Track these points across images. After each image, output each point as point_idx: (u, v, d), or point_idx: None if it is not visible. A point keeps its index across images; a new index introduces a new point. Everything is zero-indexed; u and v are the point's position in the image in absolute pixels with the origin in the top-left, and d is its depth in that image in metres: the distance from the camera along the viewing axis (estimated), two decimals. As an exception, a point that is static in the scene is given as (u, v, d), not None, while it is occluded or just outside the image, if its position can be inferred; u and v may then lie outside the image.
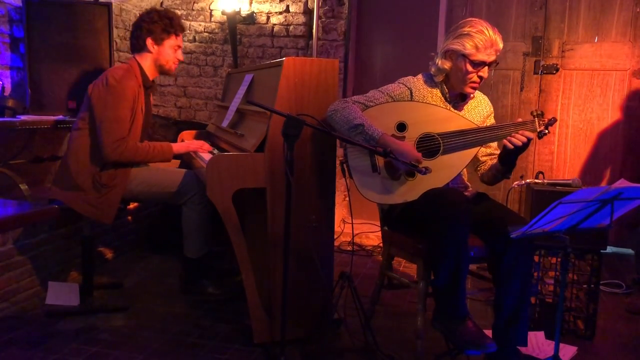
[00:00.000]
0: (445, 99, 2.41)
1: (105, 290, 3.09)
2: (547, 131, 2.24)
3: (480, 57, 2.26)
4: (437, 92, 2.41)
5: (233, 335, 2.58)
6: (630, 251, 3.72)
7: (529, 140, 2.19)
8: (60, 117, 3.22)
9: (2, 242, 2.75)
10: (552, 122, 2.23)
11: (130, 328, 2.63)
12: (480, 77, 2.31)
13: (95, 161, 2.74)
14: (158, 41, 2.87)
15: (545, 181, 2.83)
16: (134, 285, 3.19)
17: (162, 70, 2.96)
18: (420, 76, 2.45)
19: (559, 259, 2.71)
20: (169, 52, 2.90)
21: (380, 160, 2.27)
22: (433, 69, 2.40)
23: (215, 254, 3.27)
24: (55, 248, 3.06)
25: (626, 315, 3.01)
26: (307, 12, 4.43)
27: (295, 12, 4.46)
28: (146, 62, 2.89)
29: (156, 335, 2.56)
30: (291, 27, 4.49)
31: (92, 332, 2.57)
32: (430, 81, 2.42)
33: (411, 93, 2.38)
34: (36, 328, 2.60)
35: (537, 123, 2.23)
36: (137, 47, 2.89)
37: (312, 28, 4.37)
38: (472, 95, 2.45)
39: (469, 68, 2.28)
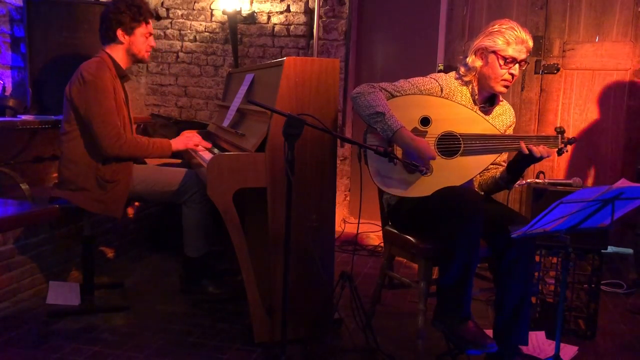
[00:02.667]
0: (474, 100, 2.40)
1: (106, 289, 3.09)
2: (566, 149, 2.24)
3: (511, 52, 2.28)
4: (466, 92, 2.41)
5: (234, 335, 2.58)
6: (630, 251, 3.72)
7: (548, 155, 2.20)
8: (61, 116, 3.21)
9: (2, 241, 2.75)
10: (571, 141, 2.23)
11: (130, 327, 2.64)
12: (512, 75, 2.31)
13: (93, 159, 2.72)
14: (128, 31, 2.80)
15: (546, 181, 2.83)
16: (134, 285, 3.20)
17: (135, 59, 2.91)
18: (452, 74, 2.45)
19: (559, 259, 2.71)
20: (140, 40, 2.84)
21: (397, 152, 2.27)
22: (462, 69, 2.40)
23: (216, 254, 3.27)
24: (55, 247, 3.06)
25: (627, 315, 3.01)
26: (308, 11, 4.43)
27: (296, 12, 4.46)
28: (118, 53, 2.84)
29: (157, 334, 2.56)
30: (292, 27, 4.49)
31: (93, 332, 2.57)
32: (461, 80, 2.42)
33: (442, 90, 2.38)
34: (37, 327, 2.60)
35: (560, 139, 2.23)
36: (107, 38, 2.82)
37: (312, 28, 4.36)
38: (500, 98, 2.45)
39: (501, 64, 2.29)
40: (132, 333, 2.57)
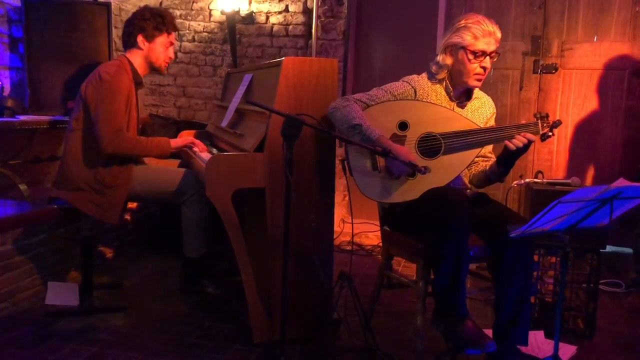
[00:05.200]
0: (450, 97, 2.40)
1: (104, 290, 3.09)
2: (551, 133, 2.22)
3: (480, 46, 2.27)
4: (441, 90, 2.40)
5: (233, 335, 2.58)
6: (629, 250, 3.72)
7: (530, 142, 2.18)
8: (59, 117, 3.21)
9: (1, 242, 2.74)
10: (556, 124, 2.22)
11: (129, 328, 2.63)
12: (484, 68, 2.31)
13: (94, 161, 2.73)
14: (149, 38, 2.85)
15: (545, 180, 2.84)
16: (133, 285, 3.19)
17: (152, 68, 2.95)
18: (424, 74, 2.45)
19: (558, 258, 2.71)
20: (159, 49, 2.89)
21: (380, 160, 2.27)
22: (434, 67, 2.40)
23: (215, 254, 3.27)
24: (54, 248, 3.06)
25: (626, 314, 3.01)
26: (306, 11, 4.43)
27: (295, 12, 4.46)
28: (137, 59, 2.88)
29: (156, 335, 2.56)
30: (290, 27, 4.48)
31: (92, 332, 2.57)
32: (434, 79, 2.41)
33: (415, 92, 2.38)
34: (36, 328, 2.60)
35: (539, 125, 2.22)
36: (128, 43, 2.88)
37: (311, 27, 4.36)
38: (474, 93, 2.44)
39: (471, 59, 2.28)
40: (131, 333, 2.57)
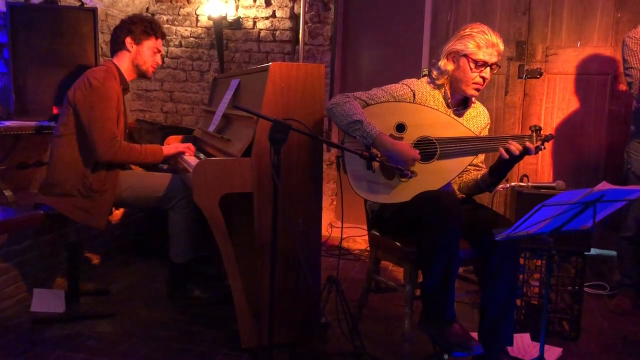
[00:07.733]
0: (447, 104, 2.42)
1: (91, 296, 3.07)
2: (543, 147, 2.25)
3: (482, 56, 2.30)
4: (439, 96, 2.43)
5: (221, 341, 2.57)
6: (613, 253, 3.77)
7: (526, 151, 2.19)
8: (45, 122, 3.19)
9: (-14, 249, 2.72)
10: (548, 138, 2.24)
11: (116, 334, 2.62)
12: (483, 79, 2.33)
13: (83, 166, 2.72)
14: (137, 40, 2.86)
15: (530, 184, 2.87)
16: (120, 291, 3.17)
17: (139, 72, 2.94)
18: (424, 79, 2.47)
19: (543, 261, 2.74)
20: (147, 53, 2.89)
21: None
22: (435, 72, 2.42)
23: (203, 259, 3.26)
24: (40, 254, 3.04)
25: (610, 316, 3.04)
26: (294, 17, 4.44)
27: (282, 17, 4.47)
28: (124, 63, 2.88)
29: (143, 341, 2.55)
30: (277, 32, 4.49)
31: (78, 339, 2.55)
32: (433, 84, 2.44)
33: (414, 95, 2.40)
34: (21, 336, 2.57)
35: (534, 137, 2.25)
36: (116, 47, 2.88)
37: (298, 33, 4.38)
38: (473, 100, 2.47)
39: (472, 67, 2.31)
40: (118, 340, 2.56)
